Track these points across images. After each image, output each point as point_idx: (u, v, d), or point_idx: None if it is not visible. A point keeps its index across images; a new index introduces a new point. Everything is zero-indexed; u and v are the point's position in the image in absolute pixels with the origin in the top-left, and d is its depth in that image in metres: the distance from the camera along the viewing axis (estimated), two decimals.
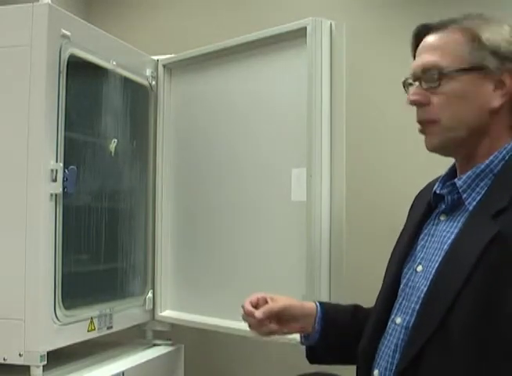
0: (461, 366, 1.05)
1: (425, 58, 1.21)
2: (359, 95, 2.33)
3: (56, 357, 1.74)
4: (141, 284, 2.20)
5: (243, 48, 2.01)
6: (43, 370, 1.68)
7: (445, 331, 1.07)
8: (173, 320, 2.22)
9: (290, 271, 1.86)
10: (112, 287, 2.06)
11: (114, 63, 2.02)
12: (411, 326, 1.15)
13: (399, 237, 1.37)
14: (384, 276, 1.35)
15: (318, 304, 1.43)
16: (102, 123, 2.00)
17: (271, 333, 1.40)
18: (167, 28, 2.80)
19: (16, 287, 1.67)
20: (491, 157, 1.17)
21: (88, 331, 1.88)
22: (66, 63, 1.76)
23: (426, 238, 1.23)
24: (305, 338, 1.45)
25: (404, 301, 1.21)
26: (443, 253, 1.15)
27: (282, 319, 1.39)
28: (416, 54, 1.25)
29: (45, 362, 1.67)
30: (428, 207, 1.27)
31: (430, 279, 1.15)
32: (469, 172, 1.18)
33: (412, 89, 1.23)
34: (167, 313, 2.23)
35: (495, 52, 1.16)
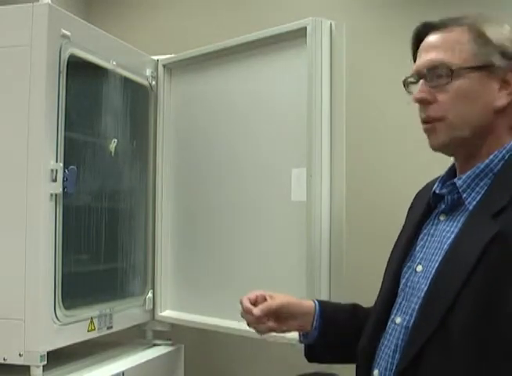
0: (461, 366, 1.05)
1: (432, 55, 1.20)
2: (359, 95, 2.33)
3: (56, 357, 1.74)
4: (141, 284, 2.20)
5: (243, 48, 2.01)
6: (43, 370, 1.68)
7: (445, 331, 1.07)
8: (173, 320, 2.22)
9: (290, 271, 1.86)
10: (112, 287, 2.06)
11: (114, 63, 2.02)
12: (411, 326, 1.15)
13: (398, 237, 1.36)
14: (383, 276, 1.35)
15: (316, 302, 1.43)
16: (102, 123, 2.00)
17: (269, 330, 1.40)
18: (167, 28, 2.80)
19: (16, 287, 1.67)
20: (491, 157, 1.17)
21: (88, 331, 1.88)
22: (66, 63, 1.76)
23: (425, 238, 1.23)
24: (304, 336, 1.45)
25: (404, 301, 1.21)
26: (443, 253, 1.15)
27: (280, 316, 1.39)
28: (420, 52, 1.24)
29: (45, 362, 1.67)
30: (428, 207, 1.27)
31: (430, 279, 1.15)
32: (469, 172, 1.18)
33: (417, 87, 1.22)
34: (167, 313, 2.23)
35: (502, 51, 1.16)
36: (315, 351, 1.45)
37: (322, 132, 1.80)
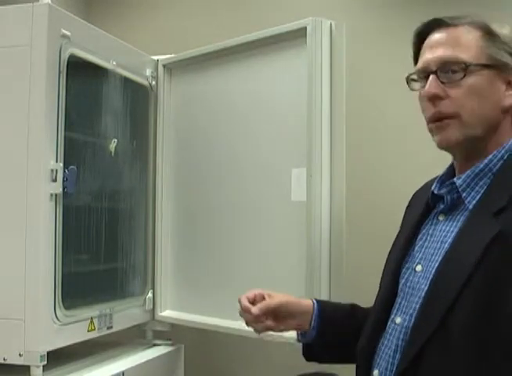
0: (461, 366, 1.05)
1: (442, 51, 1.18)
2: (359, 95, 2.33)
3: (56, 357, 1.74)
4: (141, 284, 2.20)
5: (243, 48, 2.01)
6: (43, 370, 1.68)
7: (445, 331, 1.07)
8: (173, 320, 2.22)
9: (290, 271, 1.86)
10: (112, 287, 2.06)
11: (114, 63, 2.02)
12: (411, 326, 1.15)
13: (396, 237, 1.36)
14: (382, 276, 1.34)
15: (315, 301, 1.43)
16: (102, 123, 2.00)
17: (267, 329, 1.40)
18: (167, 28, 2.80)
19: (16, 287, 1.67)
20: (490, 156, 1.17)
21: (88, 331, 1.88)
22: (66, 63, 1.76)
23: (424, 238, 1.23)
24: (302, 335, 1.44)
25: (403, 301, 1.21)
26: (443, 252, 1.15)
27: (278, 315, 1.39)
28: (424, 49, 1.22)
29: (45, 362, 1.67)
30: (426, 207, 1.27)
31: (430, 279, 1.14)
32: (468, 171, 1.18)
33: (419, 85, 1.21)
34: (167, 313, 2.23)
35: (508, 51, 1.17)
36: (313, 350, 1.45)
37: (322, 132, 1.80)
